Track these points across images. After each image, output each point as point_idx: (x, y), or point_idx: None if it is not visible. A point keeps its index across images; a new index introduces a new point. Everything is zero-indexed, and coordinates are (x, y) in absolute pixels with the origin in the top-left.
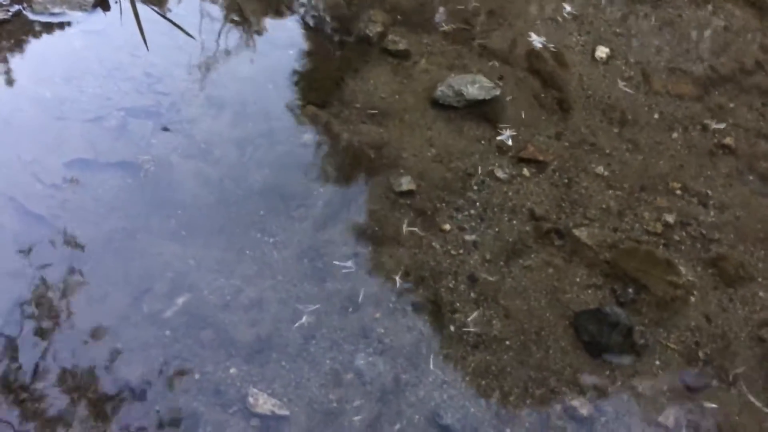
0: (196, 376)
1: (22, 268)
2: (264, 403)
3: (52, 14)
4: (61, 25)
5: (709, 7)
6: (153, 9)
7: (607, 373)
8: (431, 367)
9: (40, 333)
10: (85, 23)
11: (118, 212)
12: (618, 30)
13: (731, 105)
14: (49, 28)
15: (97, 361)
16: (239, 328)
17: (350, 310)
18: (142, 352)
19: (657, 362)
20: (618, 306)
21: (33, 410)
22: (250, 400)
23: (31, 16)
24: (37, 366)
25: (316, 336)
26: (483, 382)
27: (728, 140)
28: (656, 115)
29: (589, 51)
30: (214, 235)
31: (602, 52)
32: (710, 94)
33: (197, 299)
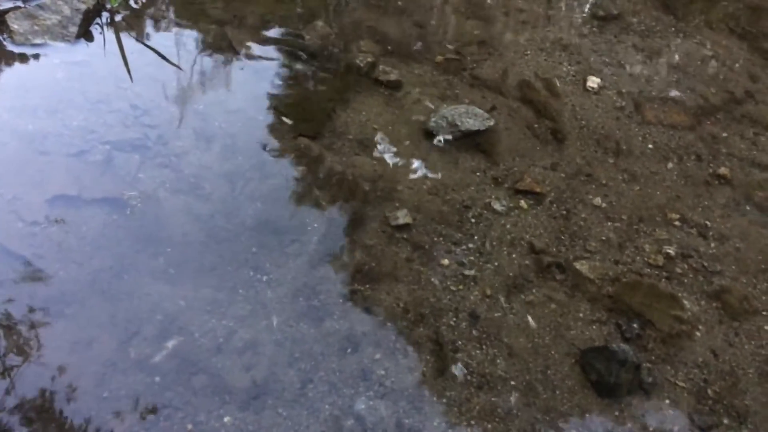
0: (189, 426)
1: (3, 310)
2: None
3: (34, 45)
4: (44, 56)
5: (697, 37)
6: (138, 40)
7: (617, 413)
8: (434, 410)
9: (20, 380)
10: (68, 54)
11: (104, 251)
12: (608, 60)
13: (724, 134)
14: (30, 59)
15: (82, 410)
16: (233, 372)
17: (349, 351)
18: (130, 401)
19: (666, 401)
20: (624, 342)
21: None
22: None
23: (11, 47)
24: (15, 416)
25: (313, 380)
26: (489, 426)
27: (723, 170)
28: (650, 145)
29: (580, 81)
30: (205, 274)
31: (593, 82)
32: (702, 123)
33: (188, 342)
